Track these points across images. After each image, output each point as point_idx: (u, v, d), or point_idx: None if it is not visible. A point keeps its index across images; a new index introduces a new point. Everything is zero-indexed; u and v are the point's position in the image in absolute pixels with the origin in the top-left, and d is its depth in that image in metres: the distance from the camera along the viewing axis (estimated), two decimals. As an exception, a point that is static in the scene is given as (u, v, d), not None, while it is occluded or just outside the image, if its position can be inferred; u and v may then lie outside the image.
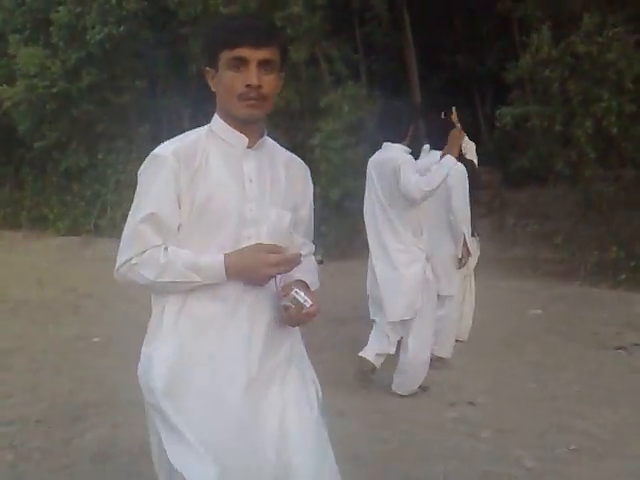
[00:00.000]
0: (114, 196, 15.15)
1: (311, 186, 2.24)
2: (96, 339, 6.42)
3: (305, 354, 2.20)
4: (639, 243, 9.96)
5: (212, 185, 1.96)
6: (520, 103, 11.88)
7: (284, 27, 12.94)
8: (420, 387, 4.77)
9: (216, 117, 2.07)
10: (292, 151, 2.23)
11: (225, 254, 1.93)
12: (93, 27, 14.33)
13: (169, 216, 1.94)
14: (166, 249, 1.93)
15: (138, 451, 3.52)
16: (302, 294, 1.95)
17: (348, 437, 3.65)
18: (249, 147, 2.04)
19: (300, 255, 2.02)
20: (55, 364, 5.69)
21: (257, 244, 1.97)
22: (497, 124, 11.67)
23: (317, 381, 2.16)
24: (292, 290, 1.95)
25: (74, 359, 5.81)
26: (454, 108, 5.16)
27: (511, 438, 3.98)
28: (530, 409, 4.47)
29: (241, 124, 2.01)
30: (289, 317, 1.97)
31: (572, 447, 3.83)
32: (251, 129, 2.03)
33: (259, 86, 1.92)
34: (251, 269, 1.93)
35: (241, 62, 1.92)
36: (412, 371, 4.68)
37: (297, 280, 2.04)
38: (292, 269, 1.99)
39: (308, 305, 1.94)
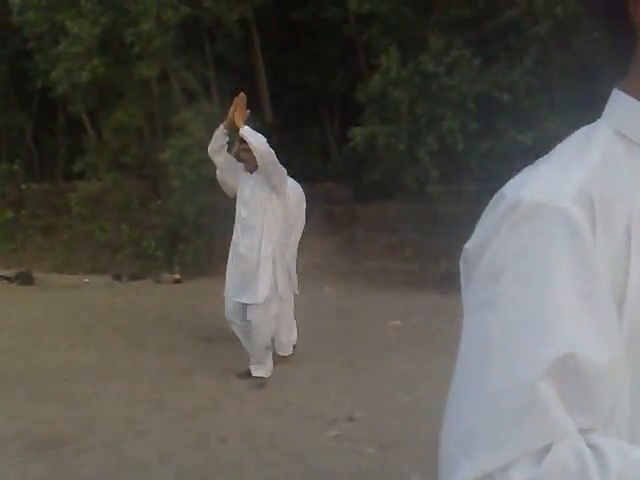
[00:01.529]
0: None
1: None
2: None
3: None
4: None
5: None
6: (370, 123, 12.27)
7: (134, 44, 12.66)
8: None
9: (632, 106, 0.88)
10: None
11: None
12: None
13: (599, 361, 0.74)
14: (597, 450, 0.72)
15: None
16: None
17: (236, 464, 3.57)
18: None
19: None
20: None
21: None
22: (350, 144, 12.01)
23: None
24: None
25: None
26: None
27: (396, 453, 4.06)
28: (409, 421, 4.59)
29: None
30: None
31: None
32: None
33: None
34: None
35: None
36: None
37: None
38: None
39: None
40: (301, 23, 17.01)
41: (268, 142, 5.35)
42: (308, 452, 4.10)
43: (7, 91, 16.22)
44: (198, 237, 12.04)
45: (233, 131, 5.47)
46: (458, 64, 10.78)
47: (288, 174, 5.80)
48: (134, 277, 10.27)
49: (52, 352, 6.01)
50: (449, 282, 10.84)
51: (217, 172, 5.64)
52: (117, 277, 10.24)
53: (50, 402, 4.76)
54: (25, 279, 9.60)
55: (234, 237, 5.50)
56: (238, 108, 5.25)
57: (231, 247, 5.54)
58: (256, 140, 5.20)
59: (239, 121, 5.22)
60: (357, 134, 11.62)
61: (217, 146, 5.50)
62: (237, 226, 5.49)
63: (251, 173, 5.44)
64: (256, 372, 5.33)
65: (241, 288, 5.29)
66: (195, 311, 7.73)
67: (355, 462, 3.95)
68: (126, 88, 13.79)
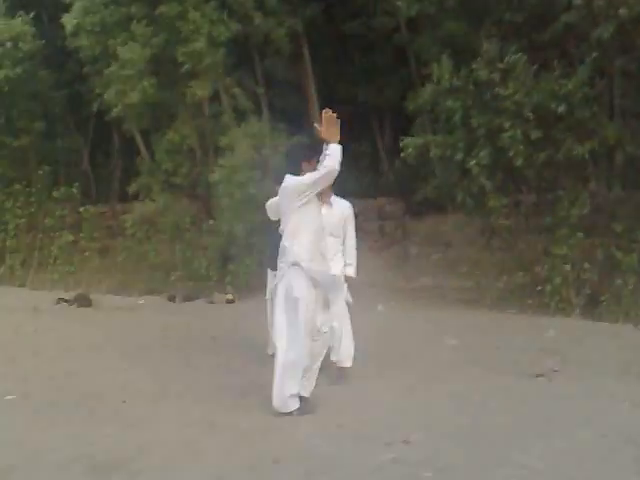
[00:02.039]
0: (13, 242, 14.41)
1: None
2: (9, 397, 5.93)
3: None
4: (542, 267, 10.18)
5: None
6: (422, 133, 12.01)
7: (185, 63, 12.80)
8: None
9: None
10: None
11: None
12: (-12, 70, 13.86)
13: None
14: None
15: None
16: None
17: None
18: None
19: None
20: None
21: None
22: (401, 154, 11.79)
23: None
24: None
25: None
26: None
27: (453, 477, 3.90)
28: (466, 444, 4.41)
29: None
30: None
31: (516, 482, 3.80)
32: None
33: None
34: None
35: None
36: None
37: None
38: None
39: None
40: (351, 35, 16.98)
41: (318, 158, 5.27)
42: (363, 476, 3.97)
43: (65, 115, 16.65)
44: (249, 256, 12.04)
45: None
46: (513, 71, 10.45)
47: (339, 190, 5.89)
48: (188, 298, 10.33)
49: (110, 373, 6.05)
50: (505, 298, 10.60)
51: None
52: (171, 298, 10.32)
53: (108, 424, 4.76)
54: (83, 301, 9.76)
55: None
56: (326, 125, 5.09)
57: None
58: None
59: (329, 135, 5.08)
60: (409, 144, 11.34)
61: None
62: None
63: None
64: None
65: None
66: (248, 331, 7.69)
67: (413, 488, 3.81)
68: (178, 108, 13.95)
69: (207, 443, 4.40)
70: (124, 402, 5.24)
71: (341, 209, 6.28)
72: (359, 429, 4.70)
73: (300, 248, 5.11)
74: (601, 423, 4.75)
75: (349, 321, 6.06)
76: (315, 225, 5.22)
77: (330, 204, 6.13)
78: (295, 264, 5.09)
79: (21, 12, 14.47)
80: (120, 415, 4.97)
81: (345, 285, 6.06)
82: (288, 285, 5.11)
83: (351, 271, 6.16)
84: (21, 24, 14.28)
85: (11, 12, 14.73)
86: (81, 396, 5.37)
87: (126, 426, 4.72)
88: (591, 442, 4.39)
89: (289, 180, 5.20)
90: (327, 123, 5.07)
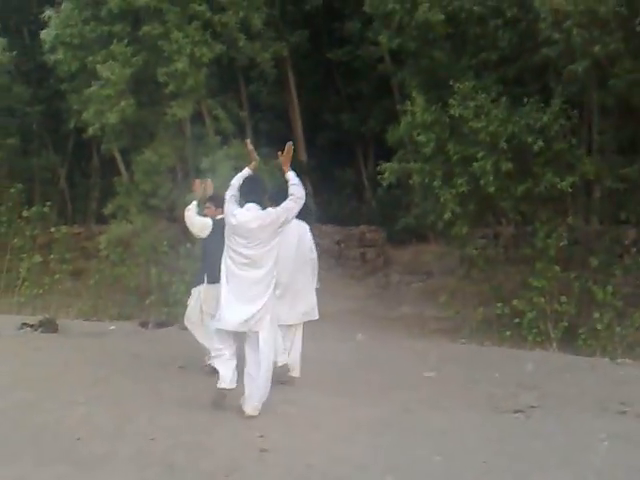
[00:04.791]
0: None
1: None
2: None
3: None
4: (520, 299, 10.15)
5: None
6: (403, 162, 12.12)
7: (167, 83, 12.68)
8: None
9: None
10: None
11: None
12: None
13: None
14: None
15: None
16: None
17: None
18: None
19: None
20: None
21: None
22: (380, 181, 11.84)
23: None
24: None
25: None
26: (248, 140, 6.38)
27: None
28: (440, 488, 4.23)
29: None
30: None
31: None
32: None
33: None
34: None
35: None
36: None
37: None
38: None
39: None
40: (337, 63, 17.02)
41: (302, 182, 5.63)
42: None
43: (42, 132, 16.43)
44: (227, 283, 11.80)
45: None
46: (485, 107, 10.58)
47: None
48: (161, 324, 10.03)
49: (68, 406, 5.73)
50: (484, 330, 10.50)
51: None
52: (144, 324, 10.03)
53: (58, 464, 4.46)
54: (49, 326, 9.36)
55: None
56: (286, 155, 5.57)
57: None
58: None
59: (286, 166, 5.55)
60: (387, 169, 11.43)
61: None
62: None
63: None
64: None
65: None
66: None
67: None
68: (158, 129, 13.79)
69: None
70: (78, 439, 4.94)
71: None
72: (329, 471, 4.48)
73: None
74: (580, 463, 4.63)
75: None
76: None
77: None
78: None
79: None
80: (73, 454, 4.66)
81: None
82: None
83: None
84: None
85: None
86: (33, 432, 5.07)
87: (79, 467, 4.44)
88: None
89: (270, 212, 5.47)
90: (288, 154, 5.54)
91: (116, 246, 13.42)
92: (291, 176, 5.48)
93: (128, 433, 5.08)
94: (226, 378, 5.54)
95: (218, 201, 6.52)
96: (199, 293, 6.85)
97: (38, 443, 4.85)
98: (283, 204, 5.44)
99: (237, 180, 5.60)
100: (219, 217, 6.49)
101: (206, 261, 6.73)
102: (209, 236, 6.69)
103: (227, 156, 12.82)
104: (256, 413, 5.43)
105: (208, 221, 6.75)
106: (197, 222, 6.77)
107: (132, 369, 7.08)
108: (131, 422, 5.33)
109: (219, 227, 6.19)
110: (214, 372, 5.81)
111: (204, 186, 7.00)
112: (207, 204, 6.96)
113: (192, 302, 6.97)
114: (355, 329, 10.39)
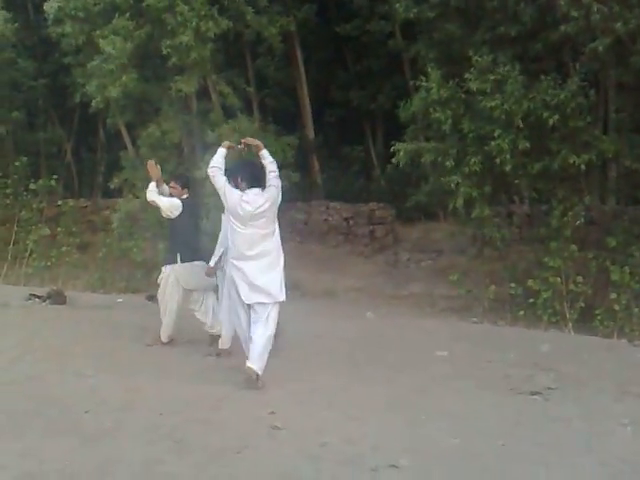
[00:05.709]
0: (-9, 235, 14.00)
1: None
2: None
3: None
4: (535, 279, 9.96)
5: None
6: (414, 140, 11.84)
7: (170, 56, 12.44)
8: None
9: None
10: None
11: None
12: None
13: None
14: None
15: None
16: None
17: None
18: None
19: None
20: None
21: None
22: (392, 160, 11.53)
23: None
24: None
25: None
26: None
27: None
28: (459, 470, 4.08)
29: None
30: None
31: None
32: None
33: None
34: None
35: None
36: None
37: None
38: None
39: None
40: (346, 38, 16.70)
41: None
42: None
43: (47, 106, 16.27)
44: (234, 256, 11.70)
45: None
46: (504, 82, 10.28)
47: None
48: (168, 298, 9.92)
49: (76, 379, 5.63)
50: (496, 309, 10.33)
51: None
52: (150, 298, 9.92)
53: (66, 437, 4.34)
54: (57, 298, 9.27)
55: None
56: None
57: None
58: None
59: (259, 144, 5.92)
60: (400, 149, 11.11)
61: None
62: None
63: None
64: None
65: None
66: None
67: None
68: (163, 103, 13.58)
69: (174, 464, 4.01)
70: (87, 412, 4.82)
71: None
72: (343, 450, 4.34)
73: None
74: (602, 449, 4.45)
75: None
76: None
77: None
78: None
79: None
80: (81, 427, 4.54)
81: None
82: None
83: None
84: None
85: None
86: (40, 405, 4.94)
87: (86, 440, 4.31)
88: (592, 472, 4.07)
89: (272, 190, 5.76)
90: (253, 142, 5.93)
91: (124, 220, 13.32)
92: (266, 154, 5.82)
93: (136, 407, 4.96)
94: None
95: (183, 181, 7.04)
96: (171, 271, 6.82)
97: (45, 416, 4.73)
98: (274, 182, 5.77)
99: (220, 157, 5.95)
100: (184, 197, 6.82)
101: (176, 240, 6.85)
102: (178, 216, 6.75)
103: (233, 130, 12.60)
104: (260, 372, 5.50)
105: (177, 202, 6.77)
106: (166, 202, 6.74)
107: (139, 342, 6.99)
108: (139, 396, 5.22)
109: (187, 207, 6.77)
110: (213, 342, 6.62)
111: (159, 166, 6.99)
112: (172, 184, 6.95)
113: (163, 281, 6.93)
114: (364, 307, 10.30)
